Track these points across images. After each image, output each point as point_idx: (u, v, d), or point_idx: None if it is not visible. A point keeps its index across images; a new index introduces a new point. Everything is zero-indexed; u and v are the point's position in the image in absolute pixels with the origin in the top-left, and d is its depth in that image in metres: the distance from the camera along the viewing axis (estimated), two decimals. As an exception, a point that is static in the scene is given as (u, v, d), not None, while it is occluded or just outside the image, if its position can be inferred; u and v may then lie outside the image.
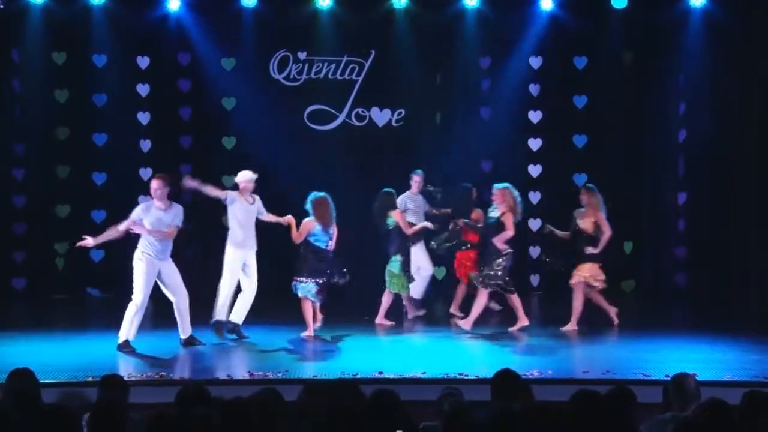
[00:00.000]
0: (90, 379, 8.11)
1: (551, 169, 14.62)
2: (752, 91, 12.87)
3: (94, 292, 14.36)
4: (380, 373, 8.62)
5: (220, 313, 10.75)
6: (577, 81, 14.63)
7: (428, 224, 12.11)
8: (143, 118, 14.45)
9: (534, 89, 14.71)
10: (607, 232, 11.19)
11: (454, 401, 5.26)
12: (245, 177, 10.87)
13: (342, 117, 14.63)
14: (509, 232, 10.97)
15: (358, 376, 8.34)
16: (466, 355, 10.05)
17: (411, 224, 11.92)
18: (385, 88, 14.55)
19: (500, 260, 10.97)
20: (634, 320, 12.73)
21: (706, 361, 9.31)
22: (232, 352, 10.17)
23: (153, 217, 10.04)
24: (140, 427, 4.54)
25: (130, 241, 13.36)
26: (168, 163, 14.12)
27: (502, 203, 11.06)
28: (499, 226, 11.00)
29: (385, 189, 11.94)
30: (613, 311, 11.45)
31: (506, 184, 11.24)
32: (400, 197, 12.31)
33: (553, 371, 8.78)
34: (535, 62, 14.65)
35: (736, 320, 12.08)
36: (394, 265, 11.55)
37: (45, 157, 14.29)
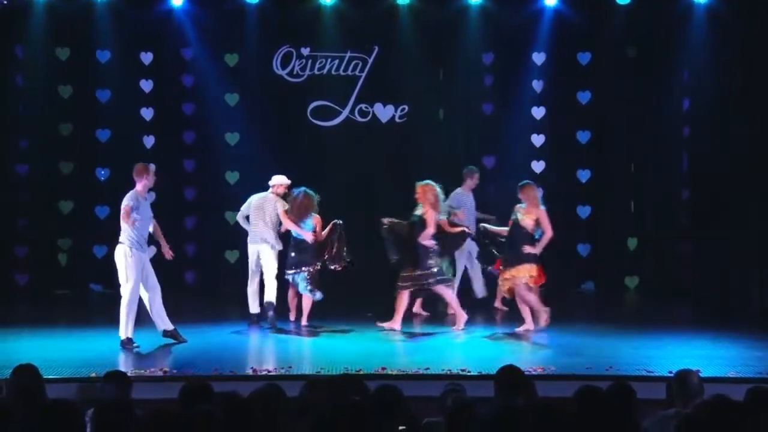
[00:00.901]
0: (93, 375, 8.10)
1: (555, 166, 14.61)
2: (756, 87, 12.84)
3: (97, 287, 14.36)
4: (383, 369, 8.62)
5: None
6: (581, 77, 14.61)
7: (466, 228, 11.99)
8: (146, 113, 14.45)
9: (537, 85, 14.70)
10: (548, 233, 10.69)
11: (457, 397, 5.26)
12: (281, 180, 11.47)
13: (345, 113, 14.62)
14: (429, 230, 10.74)
15: (361, 372, 8.34)
16: (468, 351, 10.04)
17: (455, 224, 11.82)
18: (388, 84, 14.55)
19: (431, 260, 10.78)
20: (637, 316, 12.76)
21: (709, 357, 9.30)
22: (235, 348, 10.15)
23: (143, 208, 9.96)
24: (142, 423, 4.54)
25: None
26: (171, 159, 14.17)
27: (423, 201, 10.85)
28: (422, 224, 10.81)
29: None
30: (529, 318, 10.84)
31: (427, 181, 11.01)
32: (452, 194, 12.38)
33: (556, 367, 8.78)
34: (539, 58, 14.64)
35: (739, 317, 12.06)
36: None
37: (48, 152, 14.31)
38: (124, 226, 9.86)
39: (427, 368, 8.68)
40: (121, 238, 9.91)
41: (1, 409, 4.77)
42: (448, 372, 8.51)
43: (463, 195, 12.70)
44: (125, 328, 9.82)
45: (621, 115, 14.52)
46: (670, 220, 14.60)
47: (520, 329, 10.86)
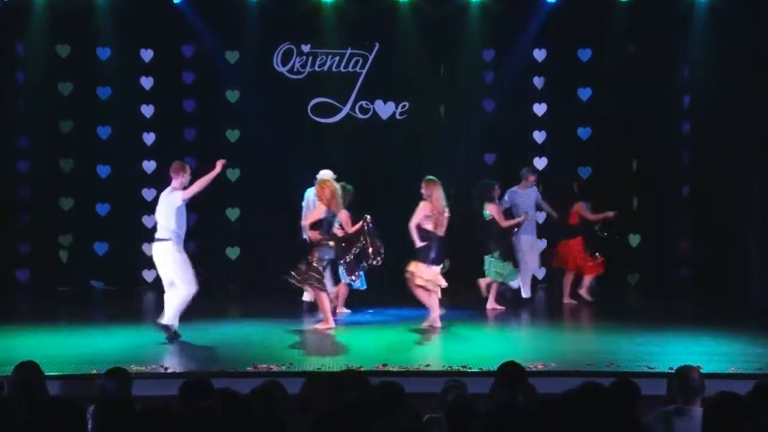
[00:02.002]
0: (94, 371, 8.11)
1: (556, 162, 14.61)
2: (757, 84, 12.83)
3: (98, 284, 14.37)
4: (384, 365, 8.62)
5: None
6: (582, 73, 14.61)
7: (521, 219, 12.52)
8: (147, 110, 14.45)
9: (538, 82, 14.70)
10: (412, 221, 10.64)
11: (457, 393, 5.26)
12: (323, 175, 11.50)
13: (346, 110, 14.61)
14: (305, 222, 10.87)
15: (362, 369, 8.33)
16: (469, 348, 10.04)
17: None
18: (389, 80, 14.54)
19: (318, 254, 10.70)
20: (638, 313, 12.74)
21: (711, 353, 9.30)
22: (236, 345, 10.14)
23: (183, 205, 9.92)
24: (143, 420, 4.54)
25: (133, 234, 13.37)
26: (172, 156, 14.13)
27: (321, 197, 10.75)
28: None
29: (486, 180, 12.44)
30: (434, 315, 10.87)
31: (326, 179, 10.99)
32: (508, 192, 12.79)
33: (556, 364, 8.78)
34: (540, 54, 14.63)
35: (740, 313, 12.06)
36: (495, 258, 12.07)
37: (49, 149, 14.30)
38: (168, 223, 9.81)
39: (428, 365, 8.68)
40: (163, 234, 9.86)
41: (2, 406, 4.78)
42: (449, 368, 8.51)
43: (517, 193, 13.02)
44: (173, 318, 9.82)
45: (622, 112, 14.50)
46: (670, 216, 14.60)
47: (424, 324, 10.88)
